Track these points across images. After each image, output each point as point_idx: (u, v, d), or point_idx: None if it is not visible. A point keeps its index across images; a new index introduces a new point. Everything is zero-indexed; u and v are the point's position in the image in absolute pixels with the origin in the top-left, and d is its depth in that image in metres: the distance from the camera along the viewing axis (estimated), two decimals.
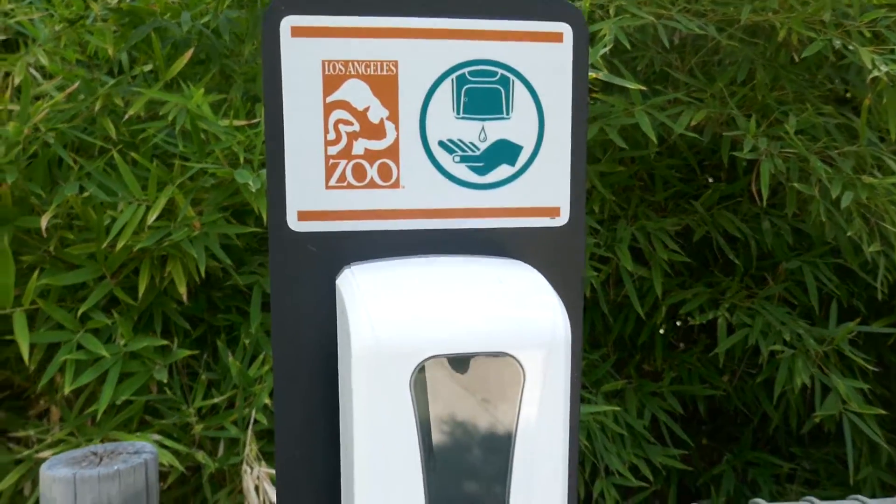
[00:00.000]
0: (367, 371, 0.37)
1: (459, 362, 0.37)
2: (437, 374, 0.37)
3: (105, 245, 1.09)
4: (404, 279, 0.43)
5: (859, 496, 0.87)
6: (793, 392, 1.44)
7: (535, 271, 0.44)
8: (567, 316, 0.39)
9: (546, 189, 0.47)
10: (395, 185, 0.46)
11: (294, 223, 0.46)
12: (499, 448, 0.37)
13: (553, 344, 0.37)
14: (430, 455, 0.37)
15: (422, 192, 0.46)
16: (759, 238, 1.57)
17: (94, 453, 0.80)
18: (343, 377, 0.40)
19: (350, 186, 0.46)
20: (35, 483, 1.14)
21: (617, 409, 1.41)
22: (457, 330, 0.38)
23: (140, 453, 0.80)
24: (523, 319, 0.39)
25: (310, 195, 0.46)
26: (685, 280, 1.63)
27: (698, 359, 1.66)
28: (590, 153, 1.49)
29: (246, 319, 1.25)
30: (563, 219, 0.48)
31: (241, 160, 1.13)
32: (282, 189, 0.46)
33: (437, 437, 0.37)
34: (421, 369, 0.36)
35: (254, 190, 1.04)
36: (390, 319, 0.38)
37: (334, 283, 0.45)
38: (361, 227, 0.46)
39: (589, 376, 1.54)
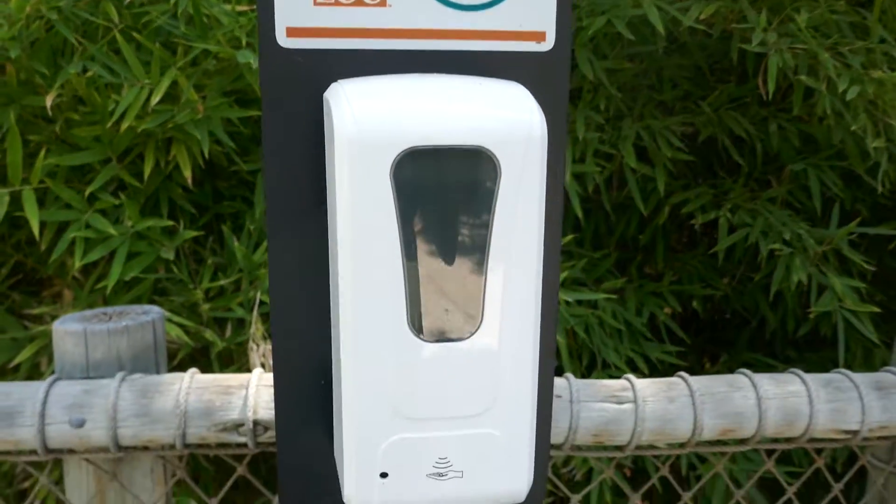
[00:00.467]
0: (349, 160, 0.38)
1: (438, 154, 0.38)
2: (416, 165, 0.38)
3: (109, 126, 1.10)
4: (389, 86, 0.44)
5: (843, 370, 0.89)
6: (789, 290, 1.46)
7: (518, 84, 0.45)
8: (545, 120, 0.40)
9: (532, 13, 0.48)
10: (382, 3, 0.47)
11: (283, 39, 0.47)
12: (475, 240, 0.39)
13: (529, 141, 0.39)
14: (409, 241, 0.39)
15: (409, 11, 0.47)
16: (766, 141, 1.57)
17: (105, 313, 0.84)
18: (329, 175, 0.41)
19: (338, 4, 0.47)
20: (50, 359, 1.18)
21: (614, 296, 1.44)
22: (436, 124, 0.39)
23: (148, 313, 0.83)
24: (502, 117, 0.40)
25: (299, 11, 0.46)
26: (689, 182, 1.64)
27: (699, 261, 1.68)
28: (597, 49, 1.48)
29: (250, 208, 1.27)
30: (548, 44, 0.48)
31: (244, 43, 1.12)
32: (270, 5, 0.46)
33: (416, 226, 0.39)
34: (401, 160, 0.38)
35: (255, 68, 1.04)
36: (372, 114, 0.39)
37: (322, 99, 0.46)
38: (349, 46, 0.47)
39: (590, 274, 1.56)
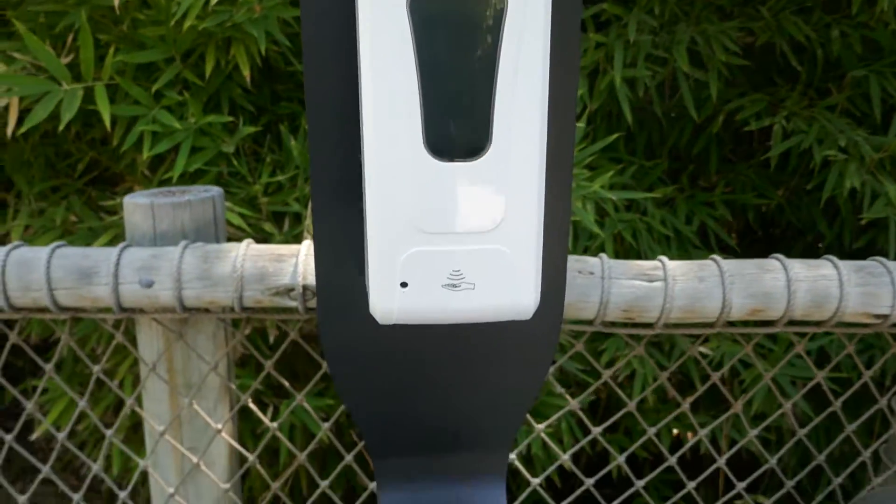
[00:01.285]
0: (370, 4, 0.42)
1: None
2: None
3: (172, 25, 1.16)
4: None
5: (877, 257, 0.90)
6: (842, 197, 1.45)
7: None
8: None
9: None
10: None
11: None
12: (486, 67, 0.43)
13: None
14: (425, 68, 0.43)
15: None
16: (826, 47, 1.53)
17: (170, 191, 0.90)
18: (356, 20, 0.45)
19: None
20: None
21: (662, 196, 1.46)
22: None
23: (209, 191, 0.90)
24: None
25: None
26: (744, 90, 1.61)
27: (753, 171, 1.67)
28: None
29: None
30: None
31: None
32: None
33: (431, 54, 0.43)
34: None
35: None
36: None
37: None
38: None
39: (640, 181, 1.57)
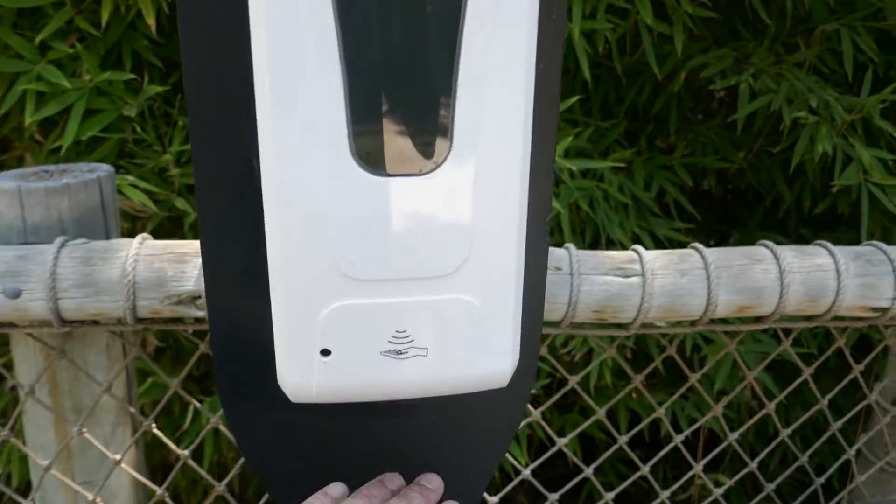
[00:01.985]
0: None
1: None
2: None
3: None
4: None
5: (876, 242, 0.80)
6: (811, 163, 1.36)
7: None
8: None
9: None
10: None
11: None
12: (442, 42, 0.28)
13: None
14: (350, 46, 0.28)
15: None
16: None
17: (46, 171, 0.74)
18: None
19: None
20: None
21: (622, 164, 1.34)
22: None
23: (94, 171, 0.74)
24: None
25: None
26: (709, 46, 1.49)
27: (715, 133, 1.57)
28: None
29: None
30: None
31: None
32: None
33: (359, 27, 0.28)
34: None
35: None
36: None
37: None
38: None
39: (597, 144, 1.45)
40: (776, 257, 0.76)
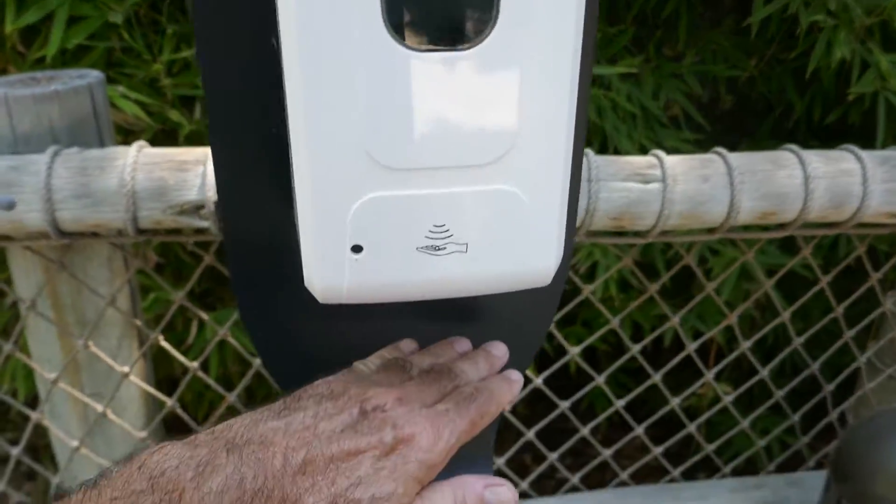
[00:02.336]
0: None
1: None
2: None
3: None
4: None
5: None
6: (827, 70, 1.31)
7: None
8: None
9: None
10: None
11: None
12: None
13: None
14: None
15: None
16: None
17: (33, 78, 0.70)
18: None
19: None
20: None
21: (633, 70, 1.29)
22: None
23: (84, 77, 0.69)
24: None
25: None
26: None
27: (727, 39, 1.51)
28: None
29: None
30: None
31: None
32: None
33: None
34: None
35: None
36: None
37: None
38: None
39: (604, 51, 1.40)
40: (801, 162, 0.73)
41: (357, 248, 0.31)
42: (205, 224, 0.64)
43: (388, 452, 0.37)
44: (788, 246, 1.32)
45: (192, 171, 0.63)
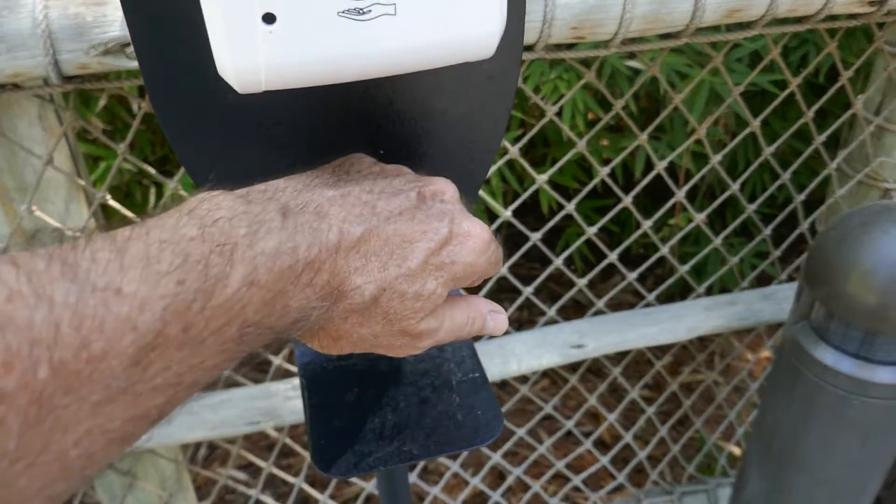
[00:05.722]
0: None
1: None
2: None
3: None
4: None
5: None
6: None
7: None
8: None
9: None
10: None
11: None
12: None
13: None
14: None
15: None
16: None
17: None
18: None
19: None
20: None
21: None
22: None
23: None
24: None
25: None
26: None
27: None
28: None
29: None
30: None
31: None
32: None
33: None
34: None
35: None
36: None
37: None
38: None
39: None
40: None
41: (269, 18, 0.27)
42: (134, 64, 0.59)
43: (442, 245, 0.36)
44: (756, 63, 1.29)
45: (111, 3, 0.57)
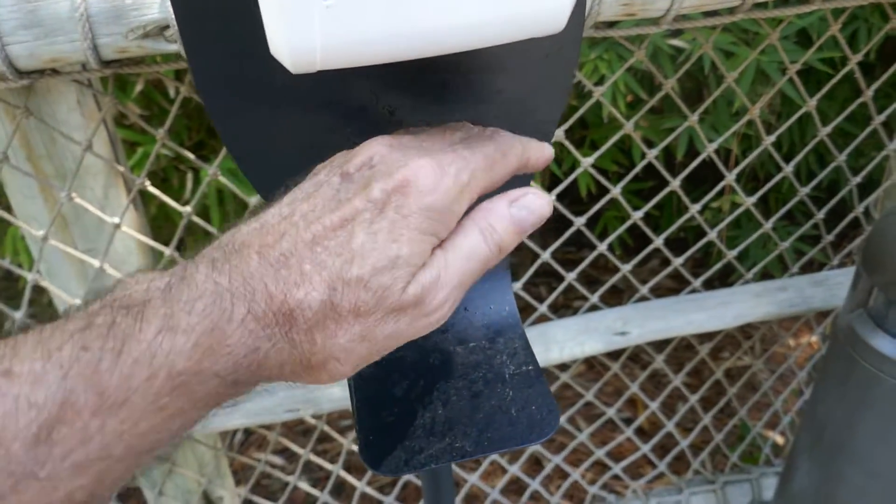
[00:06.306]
0: None
1: None
2: None
3: None
4: None
5: None
6: None
7: None
8: None
9: None
10: None
11: None
12: None
13: None
14: None
15: None
16: None
17: None
18: None
19: None
20: None
21: None
22: None
23: None
24: None
25: None
26: None
27: None
28: None
29: None
30: None
31: None
32: None
33: None
34: None
35: None
36: None
37: None
38: None
39: None
40: None
41: None
42: (173, 47, 0.58)
43: (382, 209, 0.32)
44: (806, 43, 1.25)
45: None
